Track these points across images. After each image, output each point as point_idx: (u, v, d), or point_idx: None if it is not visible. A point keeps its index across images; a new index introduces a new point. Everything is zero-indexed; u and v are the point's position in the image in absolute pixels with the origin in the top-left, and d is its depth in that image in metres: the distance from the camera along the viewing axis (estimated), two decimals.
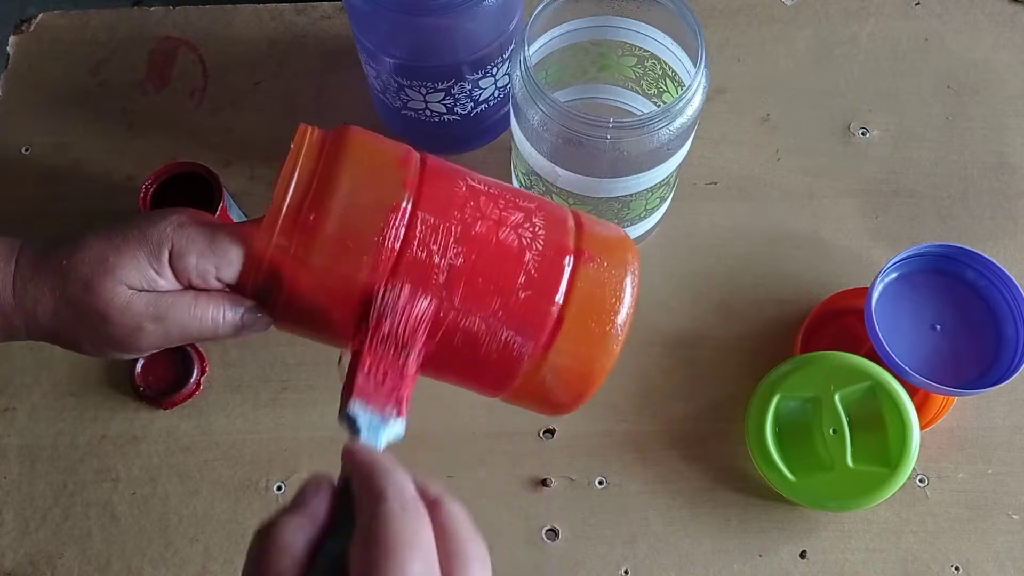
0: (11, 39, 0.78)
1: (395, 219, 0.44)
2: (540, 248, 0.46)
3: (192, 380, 0.65)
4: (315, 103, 0.76)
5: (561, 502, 0.63)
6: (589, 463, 0.64)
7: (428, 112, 0.67)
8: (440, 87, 0.64)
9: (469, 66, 0.63)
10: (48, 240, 0.47)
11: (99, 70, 0.77)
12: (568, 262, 0.46)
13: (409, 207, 0.45)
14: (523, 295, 0.45)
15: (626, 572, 0.62)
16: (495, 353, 0.45)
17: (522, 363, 0.46)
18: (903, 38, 0.78)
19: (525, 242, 0.46)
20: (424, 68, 0.63)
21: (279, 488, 0.64)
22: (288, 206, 0.44)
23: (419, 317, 0.44)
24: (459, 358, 0.46)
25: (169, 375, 0.66)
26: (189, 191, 0.66)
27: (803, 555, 0.62)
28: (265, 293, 0.47)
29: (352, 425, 0.41)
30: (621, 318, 0.48)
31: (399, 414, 0.42)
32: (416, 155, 0.48)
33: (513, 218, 0.46)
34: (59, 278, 0.45)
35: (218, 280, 0.46)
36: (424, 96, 0.65)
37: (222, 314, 0.46)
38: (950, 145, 0.74)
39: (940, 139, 0.74)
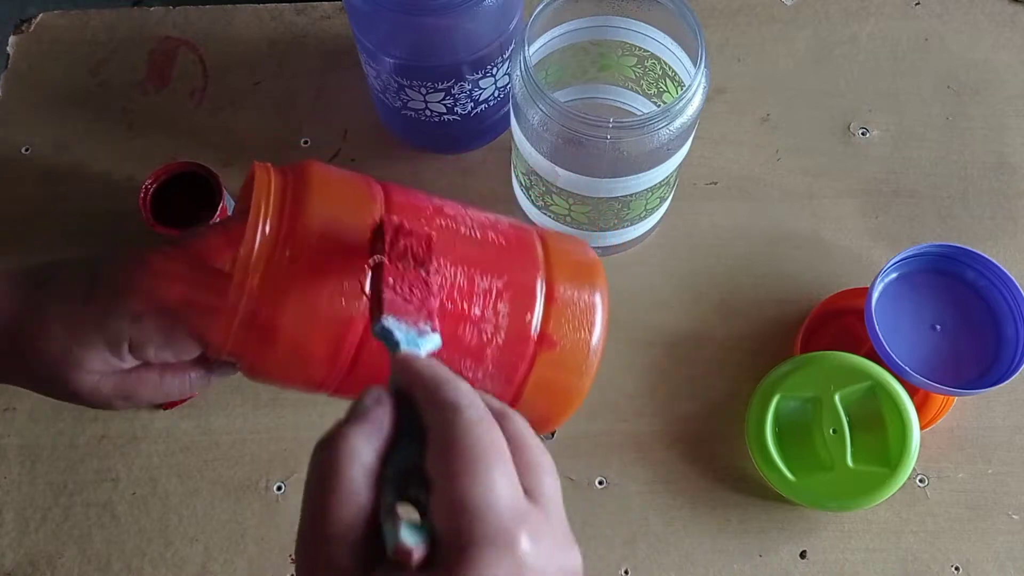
0: (11, 39, 0.78)
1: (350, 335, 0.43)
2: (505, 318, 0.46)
3: None
4: (315, 103, 0.76)
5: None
6: (589, 463, 0.64)
7: (428, 112, 0.67)
8: (440, 87, 0.64)
9: (469, 66, 0.63)
10: (16, 287, 0.45)
11: (99, 70, 0.77)
12: (539, 297, 0.46)
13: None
14: (495, 321, 0.45)
15: (626, 572, 0.62)
16: (479, 374, 0.45)
17: (505, 388, 0.46)
18: (903, 38, 0.78)
19: (495, 266, 0.46)
20: (424, 68, 0.63)
21: (279, 488, 0.64)
22: (246, 300, 0.43)
23: (428, 236, 0.43)
24: None
25: None
26: (189, 191, 0.66)
27: (803, 555, 0.62)
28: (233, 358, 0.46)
29: (389, 338, 0.38)
30: (596, 337, 0.48)
31: (434, 328, 0.40)
32: (380, 198, 0.46)
33: (476, 299, 0.45)
34: (22, 363, 0.45)
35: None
36: (424, 96, 0.65)
37: (187, 382, 0.47)
38: (950, 145, 0.74)
39: (940, 139, 0.74)
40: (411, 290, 0.41)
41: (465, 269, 0.45)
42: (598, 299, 0.47)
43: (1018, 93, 0.76)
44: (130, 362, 0.45)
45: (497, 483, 0.32)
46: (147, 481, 0.64)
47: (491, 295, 0.45)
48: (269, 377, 0.45)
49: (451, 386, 0.34)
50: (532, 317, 0.46)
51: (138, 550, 0.62)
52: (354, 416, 0.34)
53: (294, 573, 0.33)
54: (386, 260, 0.41)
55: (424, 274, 0.41)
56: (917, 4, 0.79)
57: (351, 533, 0.32)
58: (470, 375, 0.45)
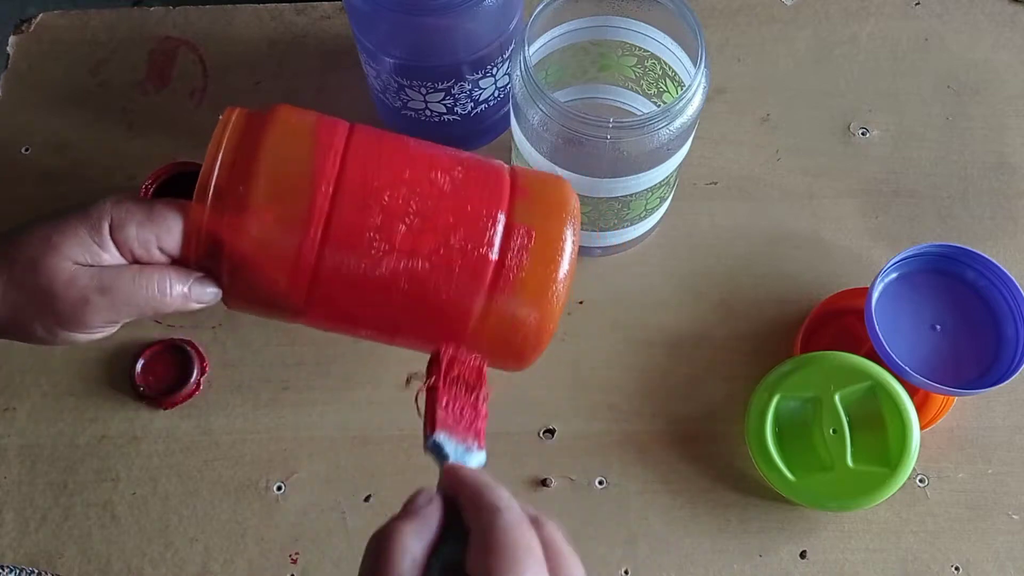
0: (11, 39, 0.78)
1: (323, 186, 0.48)
2: (475, 191, 0.50)
3: (192, 380, 0.65)
4: (315, 103, 0.75)
5: (561, 502, 0.63)
6: (589, 463, 0.64)
7: (428, 112, 0.67)
8: (440, 87, 0.64)
9: (469, 66, 0.63)
10: None
11: (99, 70, 0.77)
12: (501, 217, 0.50)
13: (336, 172, 0.49)
14: (458, 237, 0.49)
15: (626, 572, 0.62)
16: (443, 294, 0.50)
17: (469, 309, 0.50)
18: (903, 38, 0.78)
19: (457, 185, 0.51)
20: (424, 68, 0.63)
21: (279, 488, 0.64)
22: (217, 176, 0.48)
23: (479, 366, 0.48)
24: (408, 305, 0.50)
25: (169, 375, 0.66)
26: (189, 191, 0.65)
27: (803, 555, 0.62)
28: (210, 264, 0.49)
29: (440, 452, 0.43)
30: (563, 270, 0.51)
31: (480, 447, 0.45)
32: (345, 124, 0.52)
33: (445, 170, 0.51)
34: (5, 263, 0.47)
35: (160, 251, 0.48)
36: (424, 96, 0.65)
37: (168, 284, 0.48)
38: (950, 145, 0.74)
39: (940, 139, 0.74)
40: (461, 412, 0.46)
41: (422, 202, 0.50)
42: (566, 232, 0.51)
43: (1018, 93, 0.76)
44: (111, 251, 0.47)
45: None
46: (147, 481, 0.64)
47: (449, 229, 0.50)
48: (250, 266, 0.48)
49: (492, 491, 0.38)
50: (488, 249, 0.50)
51: (138, 550, 0.62)
52: (407, 513, 0.38)
53: None
54: (440, 384, 0.46)
55: (473, 399, 0.47)
56: (917, 4, 0.79)
57: None
58: (446, 224, 0.50)
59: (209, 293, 0.49)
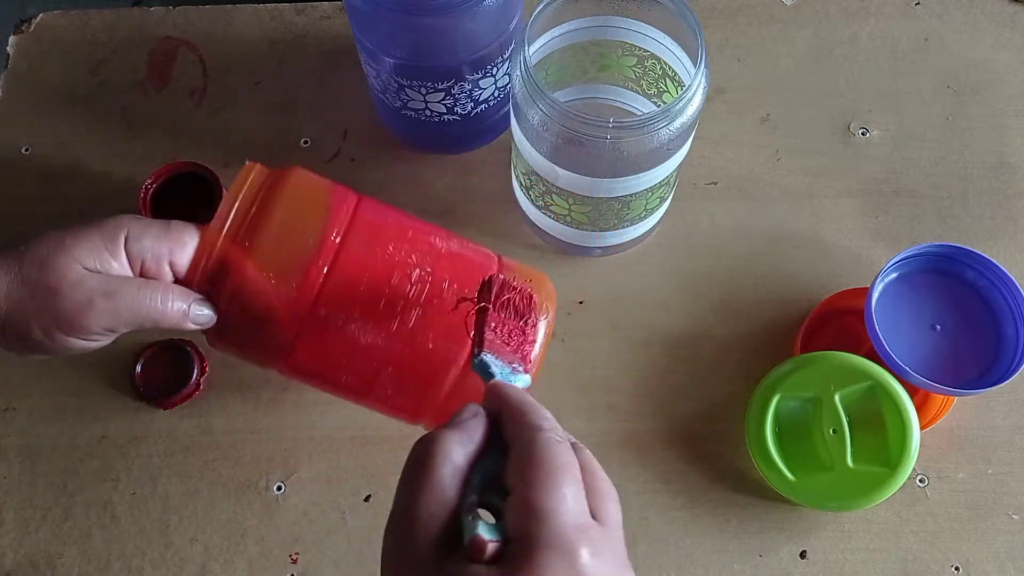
0: (11, 39, 0.78)
1: (335, 227, 0.52)
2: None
3: (192, 380, 0.65)
4: (315, 103, 0.76)
5: None
6: None
7: (428, 112, 0.67)
8: (440, 87, 0.64)
9: (469, 66, 0.63)
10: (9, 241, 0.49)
11: (99, 70, 0.77)
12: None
13: (349, 217, 0.53)
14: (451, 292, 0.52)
15: None
16: (430, 343, 0.52)
17: (455, 358, 0.52)
18: (903, 38, 0.78)
19: (453, 252, 0.54)
20: (424, 68, 0.63)
21: (279, 488, 0.64)
22: (236, 210, 0.52)
23: (530, 294, 0.50)
24: (396, 348, 0.52)
25: (169, 375, 0.66)
26: (189, 191, 0.66)
27: (803, 555, 0.62)
28: (209, 292, 0.51)
29: (486, 370, 0.44)
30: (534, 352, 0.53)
31: (526, 370, 0.46)
32: (353, 196, 0.55)
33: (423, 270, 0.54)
34: (15, 262, 0.48)
35: (169, 268, 0.50)
36: (424, 96, 0.65)
37: (171, 298, 0.50)
38: (950, 145, 0.74)
39: (940, 139, 0.74)
40: (509, 335, 0.48)
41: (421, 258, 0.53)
42: (539, 324, 0.52)
43: (1018, 93, 0.76)
44: (121, 262, 0.48)
45: (568, 497, 0.36)
46: (147, 481, 0.64)
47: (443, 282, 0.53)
48: (250, 294, 0.51)
49: (535, 412, 0.39)
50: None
51: (138, 550, 0.62)
52: (452, 424, 0.39)
53: (382, 550, 0.38)
54: (491, 308, 0.48)
55: (523, 324, 0.48)
56: (917, 4, 0.79)
57: (434, 522, 0.36)
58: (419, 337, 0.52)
59: (206, 314, 0.51)
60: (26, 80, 0.77)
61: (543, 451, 0.37)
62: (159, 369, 0.66)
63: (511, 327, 0.48)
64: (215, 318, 0.51)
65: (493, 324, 0.47)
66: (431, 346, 0.52)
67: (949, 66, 0.77)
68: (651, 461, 0.64)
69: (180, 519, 0.63)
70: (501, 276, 0.49)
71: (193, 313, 0.50)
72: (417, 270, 0.53)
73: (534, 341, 0.49)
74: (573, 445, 0.39)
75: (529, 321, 0.49)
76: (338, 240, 0.52)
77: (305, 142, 0.74)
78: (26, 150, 0.74)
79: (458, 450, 0.37)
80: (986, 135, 0.74)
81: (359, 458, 0.64)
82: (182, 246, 0.50)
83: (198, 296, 0.51)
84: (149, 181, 0.66)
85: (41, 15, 0.79)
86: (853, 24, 0.78)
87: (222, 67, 0.77)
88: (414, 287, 0.52)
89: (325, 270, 0.51)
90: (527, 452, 0.37)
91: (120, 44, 0.78)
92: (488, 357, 0.45)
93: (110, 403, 0.66)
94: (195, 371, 0.66)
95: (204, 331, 0.53)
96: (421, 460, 0.37)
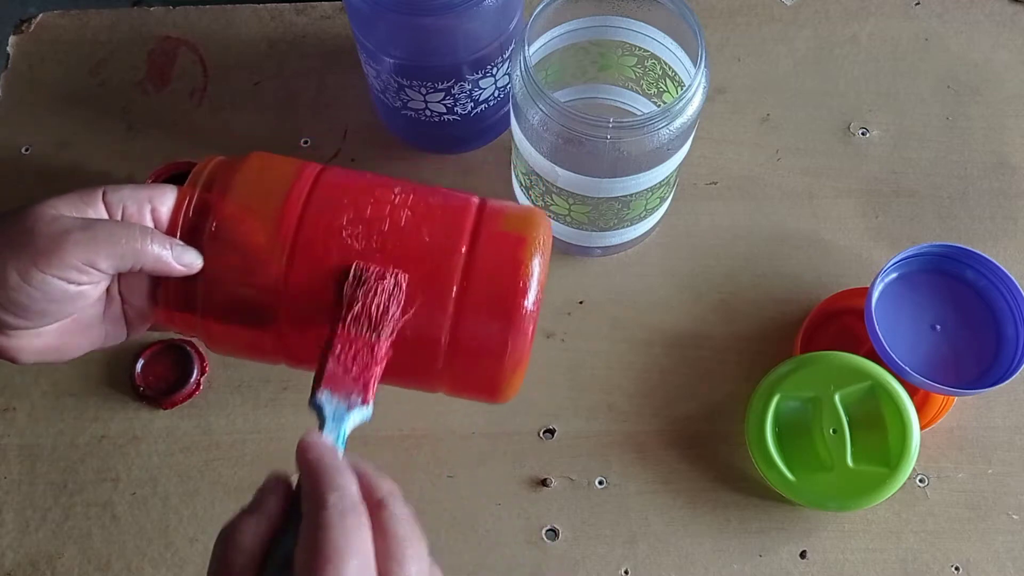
0: (11, 39, 0.78)
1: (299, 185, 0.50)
2: (439, 223, 0.49)
3: (192, 380, 0.65)
4: (315, 103, 0.76)
5: (561, 502, 0.63)
6: (589, 463, 0.64)
7: (428, 112, 0.67)
8: (440, 87, 0.64)
9: (469, 66, 0.63)
10: None
11: (99, 70, 0.77)
12: (466, 238, 0.49)
13: (307, 188, 0.49)
14: (424, 267, 0.47)
15: (626, 572, 0.62)
16: (410, 332, 0.47)
17: (438, 341, 0.47)
18: (903, 38, 0.78)
19: (421, 217, 0.49)
20: (424, 68, 0.63)
21: None
22: (208, 172, 0.51)
23: (390, 294, 0.45)
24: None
25: (169, 375, 0.66)
26: None
27: (803, 555, 0.62)
28: (194, 232, 0.49)
29: (320, 413, 0.42)
30: (530, 299, 0.48)
31: (364, 401, 0.43)
32: (316, 166, 0.52)
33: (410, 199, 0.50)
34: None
35: (152, 216, 0.49)
36: (424, 96, 0.65)
37: (149, 237, 0.48)
38: (950, 145, 0.74)
39: (940, 139, 0.74)
40: (354, 359, 0.43)
41: (382, 241, 0.48)
42: (533, 264, 0.48)
43: (1018, 93, 0.76)
44: (97, 209, 0.48)
45: None
46: (147, 481, 0.64)
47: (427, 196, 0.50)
48: (233, 228, 0.49)
49: (325, 478, 0.37)
50: (471, 211, 0.50)
51: (138, 550, 0.62)
52: (250, 504, 0.38)
53: None
54: (339, 326, 0.44)
55: (374, 340, 0.44)
56: (917, 4, 0.79)
57: None
58: (413, 252, 0.48)
59: (191, 253, 0.49)
60: (26, 80, 0.77)
61: (321, 534, 0.35)
62: (159, 369, 0.66)
63: (359, 347, 0.44)
64: (201, 259, 0.49)
65: (339, 348, 0.43)
66: (427, 239, 0.48)
67: (949, 66, 0.77)
68: (651, 461, 0.64)
69: (180, 519, 0.63)
70: (371, 267, 0.45)
71: (177, 252, 0.48)
72: (398, 188, 0.50)
73: (383, 359, 0.44)
74: (376, 505, 0.38)
75: (383, 332, 0.44)
76: (316, 172, 0.50)
77: (305, 142, 0.74)
78: (26, 150, 0.74)
79: (248, 533, 0.36)
80: (986, 135, 0.74)
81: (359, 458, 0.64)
82: (162, 194, 0.50)
83: (180, 242, 0.49)
84: (149, 181, 0.66)
85: (41, 15, 0.79)
86: (853, 24, 0.78)
87: (222, 67, 0.77)
88: (397, 196, 0.50)
89: (305, 193, 0.49)
90: (307, 534, 0.36)
91: (120, 44, 0.78)
92: (324, 397, 0.42)
93: (110, 403, 0.66)
94: (195, 371, 0.66)
95: (203, 333, 0.52)
96: (216, 554, 0.36)
